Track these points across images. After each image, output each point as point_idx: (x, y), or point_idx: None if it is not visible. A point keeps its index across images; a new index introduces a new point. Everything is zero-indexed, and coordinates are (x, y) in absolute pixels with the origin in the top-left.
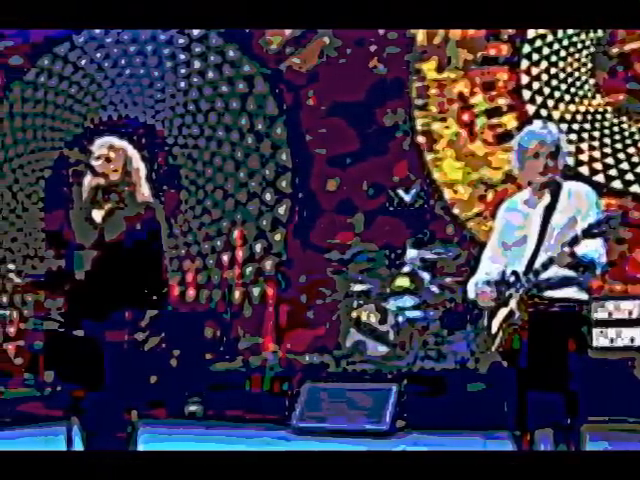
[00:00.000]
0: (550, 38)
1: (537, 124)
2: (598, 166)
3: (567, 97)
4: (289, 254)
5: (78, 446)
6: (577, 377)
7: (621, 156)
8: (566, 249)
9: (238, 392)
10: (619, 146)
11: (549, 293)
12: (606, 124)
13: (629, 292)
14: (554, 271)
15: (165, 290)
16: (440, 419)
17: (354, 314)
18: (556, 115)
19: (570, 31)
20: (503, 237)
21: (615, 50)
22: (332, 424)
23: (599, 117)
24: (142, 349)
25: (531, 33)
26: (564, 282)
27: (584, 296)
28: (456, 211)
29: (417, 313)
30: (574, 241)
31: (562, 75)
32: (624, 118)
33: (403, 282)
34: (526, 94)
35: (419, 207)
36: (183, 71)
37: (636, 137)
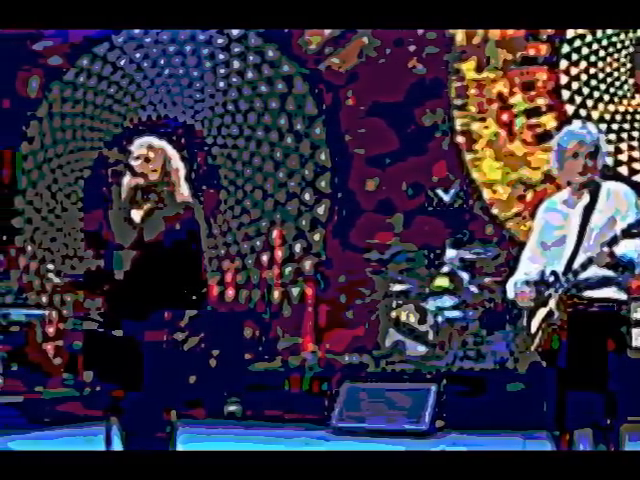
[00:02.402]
0: (589, 38)
1: (576, 124)
2: (637, 166)
3: (606, 97)
4: (328, 254)
5: (117, 446)
6: (616, 377)
7: None
8: (605, 249)
9: (277, 392)
10: None
11: (588, 293)
12: None
13: None
14: (593, 271)
15: (204, 290)
16: (479, 419)
17: (393, 314)
18: (595, 115)
19: (609, 31)
20: (542, 237)
21: None
22: (371, 424)
23: (638, 117)
24: (181, 349)
25: (570, 33)
26: (603, 282)
27: (623, 296)
28: (495, 211)
29: (456, 313)
30: (613, 241)
31: (601, 75)
32: None
33: (442, 282)
34: (565, 94)
35: (458, 207)
36: (222, 71)
37: None
